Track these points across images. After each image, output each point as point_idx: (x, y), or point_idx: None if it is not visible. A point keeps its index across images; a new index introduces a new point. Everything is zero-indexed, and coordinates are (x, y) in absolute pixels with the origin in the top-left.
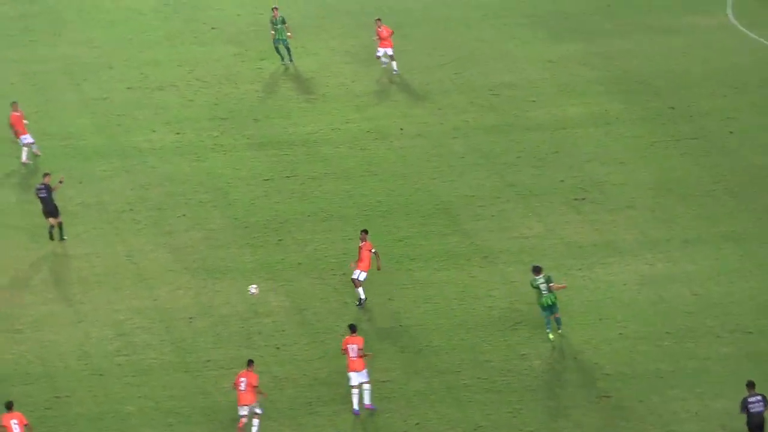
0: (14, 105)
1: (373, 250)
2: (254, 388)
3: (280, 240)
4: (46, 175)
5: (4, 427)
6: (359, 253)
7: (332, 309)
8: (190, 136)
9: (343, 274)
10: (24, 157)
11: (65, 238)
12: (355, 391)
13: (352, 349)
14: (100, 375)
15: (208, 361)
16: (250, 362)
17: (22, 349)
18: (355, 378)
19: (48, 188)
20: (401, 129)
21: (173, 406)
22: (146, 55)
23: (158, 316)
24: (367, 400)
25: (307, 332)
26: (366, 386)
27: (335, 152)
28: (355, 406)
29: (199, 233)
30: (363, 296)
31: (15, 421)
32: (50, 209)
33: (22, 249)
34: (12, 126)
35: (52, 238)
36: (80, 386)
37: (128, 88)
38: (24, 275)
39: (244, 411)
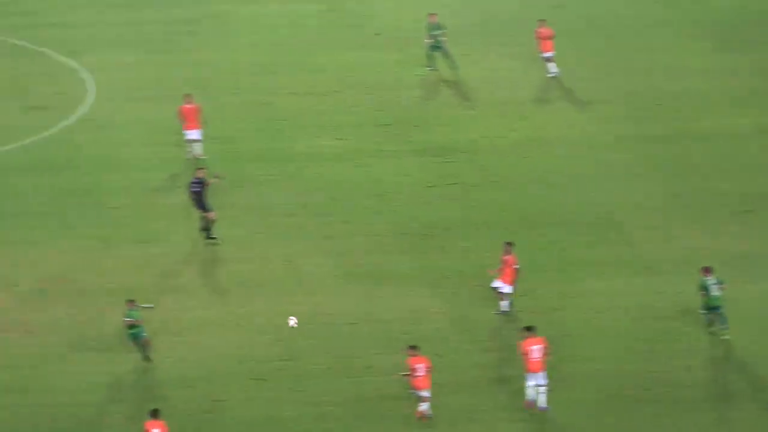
0: (187, 97)
1: (516, 266)
2: None
3: (442, 247)
4: (199, 169)
5: None
6: (503, 265)
7: (493, 317)
8: (353, 141)
9: None
10: (196, 151)
11: (215, 237)
12: (530, 392)
13: (537, 349)
14: (259, 380)
15: (369, 367)
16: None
17: (182, 353)
18: (533, 379)
19: (202, 183)
20: (563, 136)
21: (332, 412)
22: (310, 60)
23: (320, 321)
24: (542, 403)
25: (468, 339)
26: (542, 388)
27: (498, 160)
28: (530, 398)
29: (361, 239)
30: (506, 309)
31: (157, 430)
32: (201, 205)
33: (183, 253)
34: (182, 118)
35: (204, 230)
36: (239, 390)
37: (291, 93)
38: (185, 279)
39: None
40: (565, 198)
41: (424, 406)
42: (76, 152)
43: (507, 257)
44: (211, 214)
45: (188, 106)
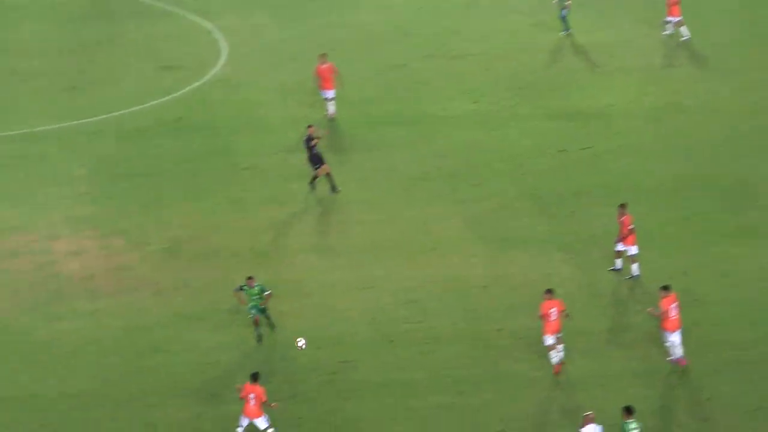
0: (322, 57)
1: (631, 227)
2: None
3: (573, 212)
4: (309, 126)
5: (242, 399)
6: (620, 228)
7: (623, 283)
8: (486, 105)
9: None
10: (331, 110)
11: (339, 189)
12: (676, 350)
13: (675, 307)
14: (390, 341)
15: (500, 330)
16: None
17: (312, 313)
18: (672, 336)
19: (311, 138)
20: (700, 103)
21: (463, 375)
22: (445, 23)
23: (450, 284)
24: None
25: (597, 305)
26: (678, 341)
27: (631, 125)
28: (674, 355)
29: (493, 202)
30: (636, 273)
31: (253, 395)
32: (315, 160)
33: (313, 214)
34: (318, 77)
35: (312, 188)
36: (368, 352)
37: (426, 56)
38: (316, 241)
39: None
40: (699, 163)
41: (555, 357)
42: (209, 113)
43: (622, 218)
44: (324, 168)
45: (323, 65)
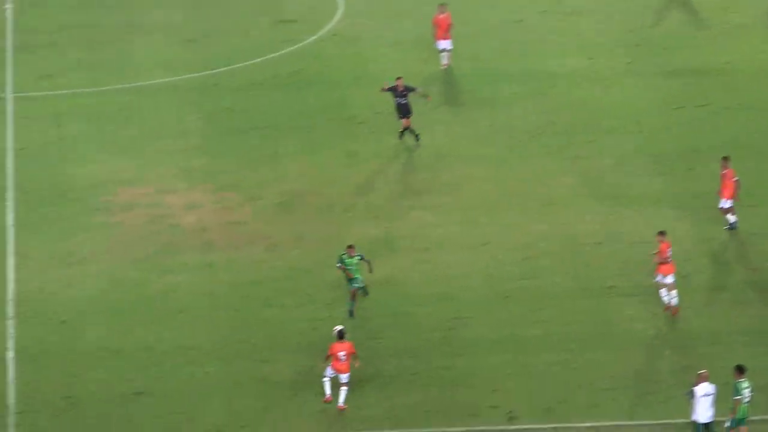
0: (442, 7)
1: (736, 179)
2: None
3: (690, 169)
4: (399, 78)
5: (331, 356)
6: (724, 180)
7: (736, 239)
8: (602, 61)
9: (753, 205)
10: (444, 60)
11: (419, 139)
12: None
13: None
14: (504, 298)
15: (612, 287)
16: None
17: (427, 269)
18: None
19: (407, 90)
20: None
21: (575, 331)
22: None
23: (564, 241)
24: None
25: (711, 262)
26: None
27: (749, 82)
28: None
29: (608, 159)
30: (733, 220)
31: (343, 352)
32: (404, 112)
33: (429, 170)
34: (435, 27)
35: (401, 138)
36: (483, 308)
37: (542, 11)
38: (437, 197)
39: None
40: None
41: (667, 298)
42: (325, 67)
43: (725, 171)
44: (406, 121)
45: (441, 15)
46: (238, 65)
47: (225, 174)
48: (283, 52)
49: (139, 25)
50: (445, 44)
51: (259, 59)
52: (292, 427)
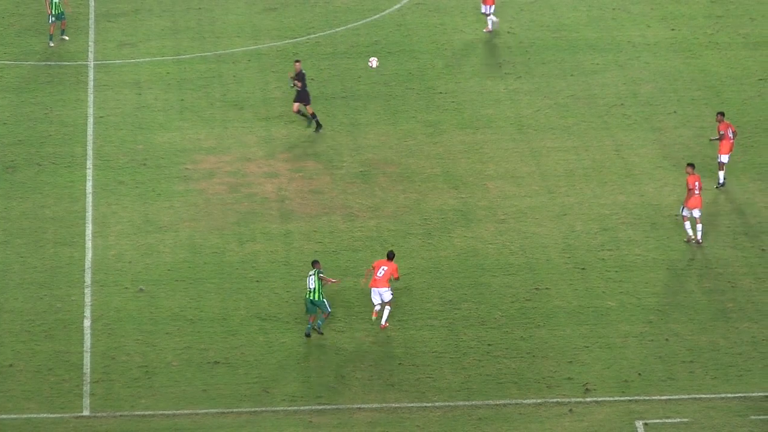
0: None
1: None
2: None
3: None
4: (297, 61)
5: (372, 268)
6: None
7: None
8: (684, 32)
9: None
10: (490, 25)
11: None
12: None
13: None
14: (582, 269)
15: (692, 259)
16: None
17: (505, 239)
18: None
19: (300, 76)
20: None
21: (655, 303)
22: None
23: (644, 212)
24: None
25: None
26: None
27: None
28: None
29: (689, 130)
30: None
31: (384, 268)
32: (301, 96)
33: (508, 140)
34: None
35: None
36: (561, 279)
37: None
38: (511, 166)
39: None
40: None
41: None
42: (406, 37)
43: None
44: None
45: None
46: (319, 34)
47: (305, 143)
48: (364, 21)
49: None
50: (487, 8)
51: (341, 28)
52: (369, 397)
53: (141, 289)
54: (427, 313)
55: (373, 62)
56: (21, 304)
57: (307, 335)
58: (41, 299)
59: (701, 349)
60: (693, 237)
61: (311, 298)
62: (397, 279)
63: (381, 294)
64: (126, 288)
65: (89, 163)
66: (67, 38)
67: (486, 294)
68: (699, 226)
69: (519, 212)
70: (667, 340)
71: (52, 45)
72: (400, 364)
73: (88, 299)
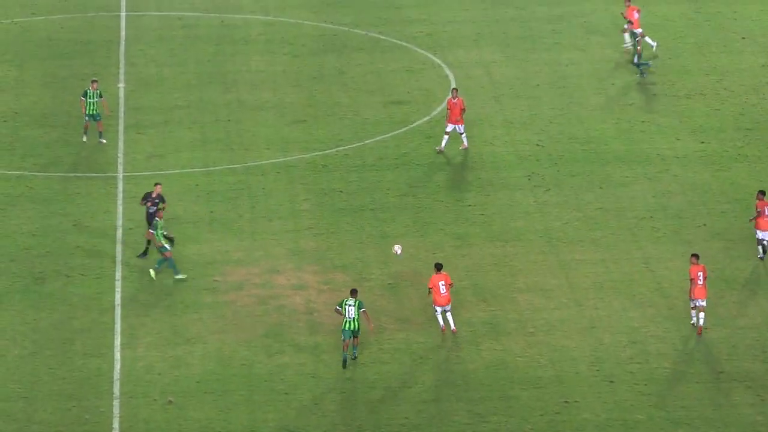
0: (454, 91)
1: None
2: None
3: None
4: (157, 184)
5: (431, 289)
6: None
7: None
8: (714, 145)
9: None
10: (443, 144)
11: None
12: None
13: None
14: (611, 382)
15: (721, 372)
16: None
17: (534, 353)
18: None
19: (158, 201)
20: None
21: (683, 416)
22: (675, 62)
23: (673, 326)
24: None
25: None
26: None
27: None
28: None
29: (718, 243)
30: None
31: (443, 282)
32: (150, 218)
33: (538, 252)
34: (448, 111)
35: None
36: (590, 392)
37: (653, 94)
38: (539, 279)
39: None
40: None
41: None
42: (435, 148)
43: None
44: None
45: (454, 100)
46: (349, 146)
47: (333, 254)
48: (394, 132)
49: (251, 104)
50: (449, 128)
51: (369, 140)
52: None
53: (170, 401)
54: (456, 425)
55: (398, 249)
56: (50, 415)
57: (345, 365)
58: (70, 411)
59: None
60: (696, 324)
61: (352, 328)
62: (452, 285)
63: (447, 308)
64: (154, 400)
65: (118, 275)
66: (104, 141)
67: (515, 407)
68: (702, 315)
69: (548, 325)
70: None
71: (85, 140)
72: None
73: (116, 411)
